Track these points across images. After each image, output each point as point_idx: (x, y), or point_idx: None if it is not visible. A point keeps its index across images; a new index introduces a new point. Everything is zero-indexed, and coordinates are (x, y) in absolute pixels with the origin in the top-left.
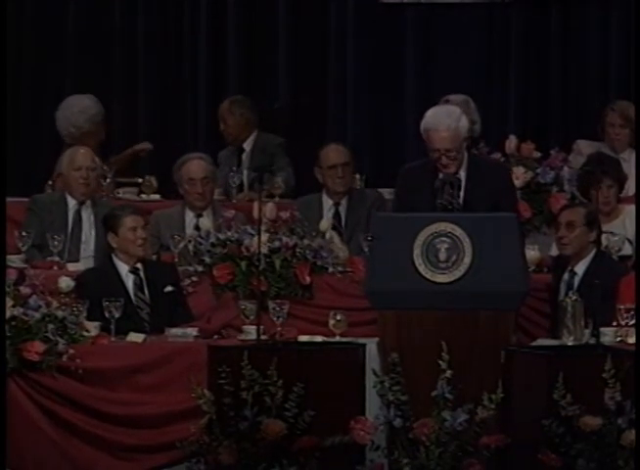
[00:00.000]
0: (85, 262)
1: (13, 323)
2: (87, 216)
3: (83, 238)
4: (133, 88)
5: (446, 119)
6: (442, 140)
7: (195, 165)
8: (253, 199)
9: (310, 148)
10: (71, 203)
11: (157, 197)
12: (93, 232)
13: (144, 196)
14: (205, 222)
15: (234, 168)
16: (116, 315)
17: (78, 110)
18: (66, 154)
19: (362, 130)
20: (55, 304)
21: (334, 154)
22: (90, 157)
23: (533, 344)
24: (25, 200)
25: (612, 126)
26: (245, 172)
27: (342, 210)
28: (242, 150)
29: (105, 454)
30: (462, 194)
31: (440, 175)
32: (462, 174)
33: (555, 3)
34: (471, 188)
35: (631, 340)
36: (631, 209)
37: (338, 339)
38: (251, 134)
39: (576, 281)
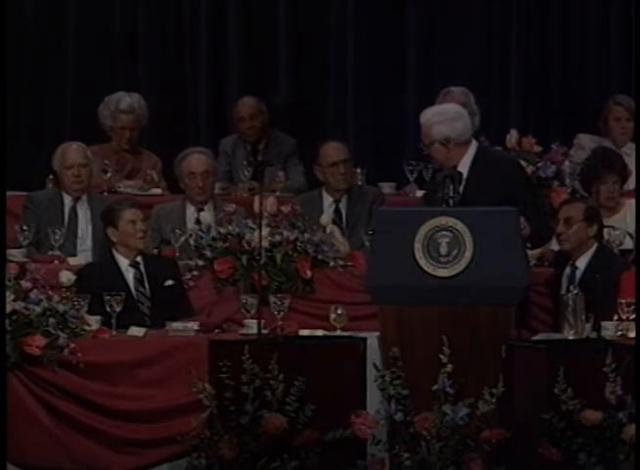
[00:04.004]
0: (82, 257)
1: (14, 317)
2: (83, 212)
3: (79, 234)
4: (134, 87)
5: (427, 113)
6: (422, 133)
7: (195, 160)
8: (255, 189)
9: (311, 144)
10: (67, 199)
11: (158, 191)
12: (90, 227)
13: (141, 188)
14: (206, 216)
15: (244, 162)
16: (117, 309)
17: (108, 102)
18: (58, 150)
19: (363, 125)
20: (56, 298)
21: (333, 151)
22: (82, 153)
23: (534, 338)
24: (26, 194)
25: (617, 120)
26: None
27: (343, 206)
28: (257, 149)
29: (105, 448)
30: (461, 187)
31: (436, 170)
32: (465, 169)
33: None
34: (472, 181)
35: (632, 334)
36: (632, 203)
37: (338, 333)
38: (265, 133)
39: (578, 275)
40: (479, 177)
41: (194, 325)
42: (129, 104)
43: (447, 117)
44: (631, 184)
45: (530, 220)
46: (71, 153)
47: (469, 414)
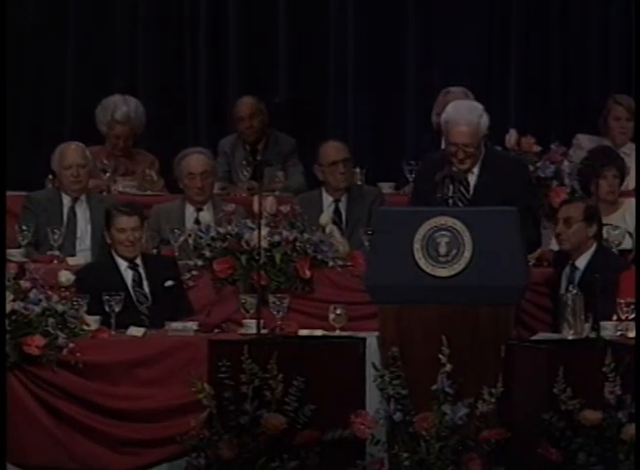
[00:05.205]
0: (81, 257)
1: (13, 317)
2: (82, 212)
3: (79, 233)
4: (134, 87)
5: (468, 114)
6: (461, 134)
7: (194, 160)
8: (254, 189)
9: (311, 144)
10: (66, 199)
11: (155, 190)
12: (89, 227)
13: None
14: (206, 216)
15: (243, 162)
16: (117, 309)
17: (105, 108)
18: (56, 150)
19: (362, 125)
20: (55, 298)
21: (333, 150)
22: (80, 153)
23: (534, 338)
24: (25, 194)
25: (617, 120)
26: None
27: (342, 206)
28: (256, 149)
29: (105, 448)
30: (472, 189)
31: (426, 163)
32: (475, 170)
33: None
34: (482, 184)
35: (632, 334)
36: (630, 202)
37: (338, 333)
38: (265, 133)
39: (578, 275)
40: (488, 175)
41: (193, 325)
42: (125, 114)
43: (481, 109)
44: (631, 184)
45: (522, 226)
46: (70, 153)
47: (468, 414)
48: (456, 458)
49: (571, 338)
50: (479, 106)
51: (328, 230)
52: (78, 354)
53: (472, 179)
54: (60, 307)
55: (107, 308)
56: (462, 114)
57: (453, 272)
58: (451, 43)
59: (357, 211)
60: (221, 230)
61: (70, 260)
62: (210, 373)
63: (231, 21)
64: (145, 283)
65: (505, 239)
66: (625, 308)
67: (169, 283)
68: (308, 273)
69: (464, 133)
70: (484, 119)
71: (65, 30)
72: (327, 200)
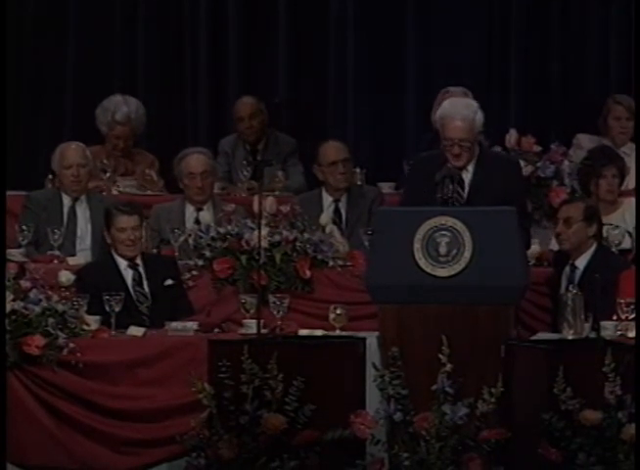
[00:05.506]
0: (82, 257)
1: (13, 317)
2: (82, 211)
3: (79, 233)
4: (134, 87)
5: (463, 110)
6: (457, 129)
7: (194, 160)
8: (254, 189)
9: (311, 144)
10: (66, 199)
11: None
12: (89, 227)
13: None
14: (206, 216)
15: (244, 162)
16: (117, 309)
17: (105, 108)
18: (56, 150)
19: (362, 125)
20: (55, 297)
21: (333, 151)
22: (81, 153)
23: (533, 338)
24: (26, 194)
25: (617, 120)
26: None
27: (342, 206)
28: (256, 149)
29: (105, 448)
30: (467, 188)
31: (423, 157)
32: (470, 168)
33: None
34: (478, 182)
35: (631, 334)
36: (630, 201)
37: (338, 333)
38: (265, 133)
39: (578, 275)
40: (484, 173)
41: (193, 325)
42: (125, 115)
43: (476, 106)
44: (630, 184)
45: None
46: (70, 153)
47: (468, 414)
48: (456, 458)
49: (570, 338)
50: (474, 103)
51: (328, 230)
52: (78, 354)
53: (467, 178)
54: (60, 307)
55: (107, 308)
56: (458, 109)
57: (453, 272)
58: (451, 43)
59: (357, 211)
60: (221, 230)
61: (71, 260)
62: (210, 373)
63: (231, 21)
64: (145, 283)
65: (505, 239)
66: (625, 308)
67: (169, 282)
68: (308, 273)
69: (460, 128)
70: (479, 116)
71: (65, 30)
72: (327, 200)
